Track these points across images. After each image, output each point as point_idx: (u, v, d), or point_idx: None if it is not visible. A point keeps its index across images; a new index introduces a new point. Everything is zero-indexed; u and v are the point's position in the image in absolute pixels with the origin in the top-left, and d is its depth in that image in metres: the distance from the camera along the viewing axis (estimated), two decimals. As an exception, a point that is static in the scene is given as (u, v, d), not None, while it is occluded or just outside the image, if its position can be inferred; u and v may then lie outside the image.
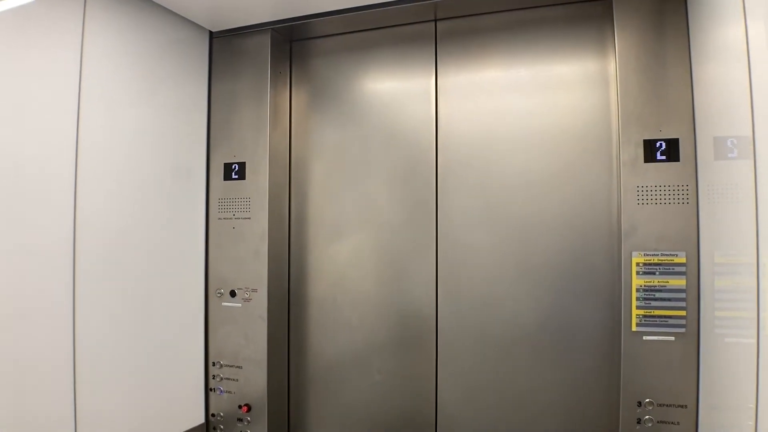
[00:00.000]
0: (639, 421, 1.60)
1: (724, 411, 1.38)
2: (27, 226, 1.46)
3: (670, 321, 1.58)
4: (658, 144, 1.61)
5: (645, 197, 1.61)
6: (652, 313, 1.60)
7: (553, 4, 1.87)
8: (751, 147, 1.14)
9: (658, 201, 1.60)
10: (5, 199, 1.41)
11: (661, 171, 1.60)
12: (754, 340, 1.15)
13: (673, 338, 1.58)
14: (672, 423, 1.58)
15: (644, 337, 1.61)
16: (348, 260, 2.11)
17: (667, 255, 1.59)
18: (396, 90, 2.10)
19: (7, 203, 1.41)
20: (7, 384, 1.41)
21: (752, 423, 1.15)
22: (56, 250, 1.55)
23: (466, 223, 1.94)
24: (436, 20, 2.02)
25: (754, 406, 1.15)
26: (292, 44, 2.23)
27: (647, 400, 1.60)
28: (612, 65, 1.78)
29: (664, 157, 1.60)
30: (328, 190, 2.15)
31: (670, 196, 1.59)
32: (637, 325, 1.61)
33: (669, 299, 1.59)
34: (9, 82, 1.43)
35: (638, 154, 1.63)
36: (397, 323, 2.03)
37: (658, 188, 1.60)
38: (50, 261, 1.53)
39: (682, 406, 1.57)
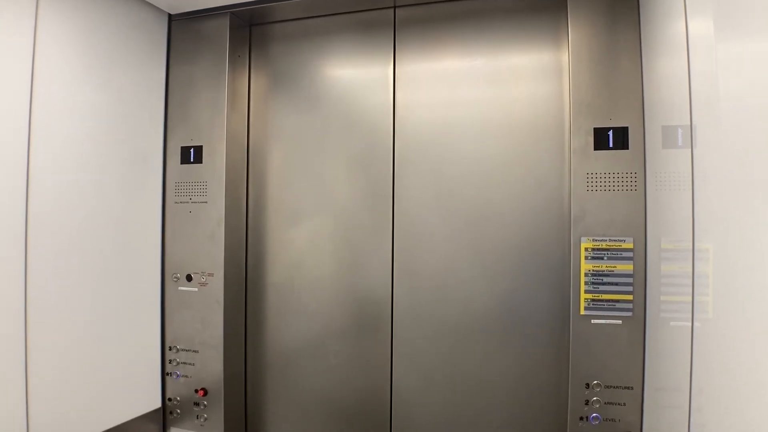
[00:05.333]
0: (587, 402, 1.64)
1: (667, 392, 1.41)
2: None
3: (618, 305, 1.62)
4: (607, 132, 1.64)
5: (594, 184, 1.65)
6: (600, 298, 1.64)
7: (510, -6, 1.90)
8: (690, 136, 1.18)
9: (607, 188, 1.64)
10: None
11: (611, 158, 1.64)
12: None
13: (620, 322, 1.62)
14: (618, 404, 1.62)
15: (592, 321, 1.64)
16: (306, 245, 2.12)
17: (615, 240, 1.63)
18: (355, 76, 2.11)
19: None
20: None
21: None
22: (8, 237, 1.52)
23: (422, 210, 1.96)
24: (395, 7, 2.03)
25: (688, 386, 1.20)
26: (251, 28, 2.21)
27: (595, 382, 1.64)
28: (565, 56, 1.81)
29: (613, 145, 1.64)
30: (286, 174, 2.15)
31: (618, 183, 1.63)
32: (586, 308, 1.65)
33: (616, 284, 1.63)
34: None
35: (588, 141, 1.66)
36: (354, 308, 2.05)
37: (607, 175, 1.64)
38: (1, 247, 1.50)
39: (628, 388, 1.62)
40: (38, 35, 1.60)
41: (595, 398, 1.64)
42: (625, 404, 1.62)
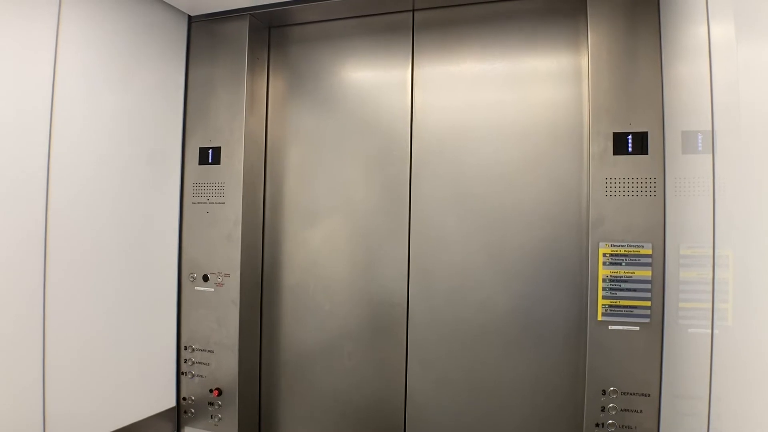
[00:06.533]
0: (603, 409, 1.63)
1: (685, 400, 1.40)
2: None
3: (636, 311, 1.61)
4: (627, 137, 1.63)
5: (613, 189, 1.64)
6: (617, 303, 1.63)
7: (529, -2, 1.89)
8: (711, 142, 1.17)
9: (626, 193, 1.62)
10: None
11: (630, 163, 1.63)
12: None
13: (637, 328, 1.61)
14: (635, 411, 1.61)
15: (609, 327, 1.63)
16: (322, 247, 2.12)
17: (633, 246, 1.61)
18: (373, 79, 2.11)
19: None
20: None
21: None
22: (28, 236, 1.53)
23: (438, 212, 1.95)
24: (413, 10, 2.03)
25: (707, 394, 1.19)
26: (270, 30, 2.22)
27: (611, 388, 1.63)
28: (585, 59, 1.80)
29: (632, 150, 1.63)
30: (303, 176, 2.15)
31: (637, 189, 1.61)
32: (603, 314, 1.64)
33: (635, 290, 1.61)
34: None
35: (607, 146, 1.65)
36: (369, 310, 2.05)
37: (626, 180, 1.63)
38: (21, 246, 1.51)
39: (645, 395, 1.60)
40: (60, 35, 1.62)
41: (611, 405, 1.62)
42: (641, 411, 1.61)
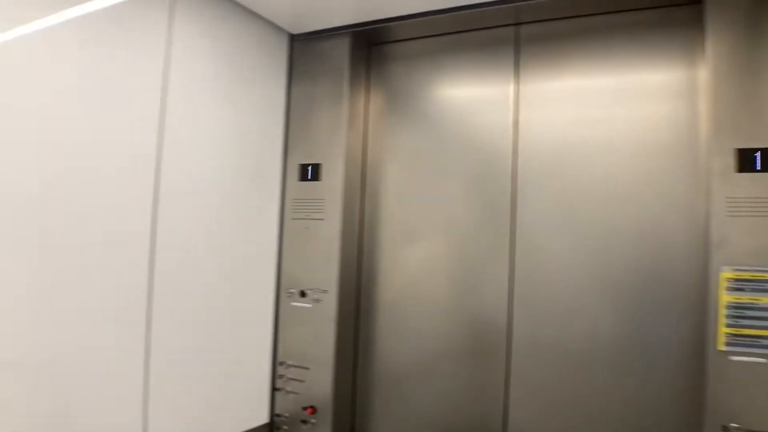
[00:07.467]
0: (723, 445, 1.52)
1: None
2: (105, 228, 1.50)
3: (762, 341, 1.48)
4: (754, 154, 1.52)
5: (736, 209, 1.52)
6: (741, 332, 1.51)
7: (639, 9, 1.82)
8: None
9: (751, 213, 1.51)
10: (84, 200, 1.44)
11: (755, 182, 1.51)
12: None
13: (764, 360, 1.48)
14: (760, 450, 1.49)
15: (731, 357, 1.51)
16: (420, 265, 2.09)
17: (759, 271, 1.49)
18: (473, 95, 2.09)
19: (86, 204, 1.44)
20: (83, 377, 1.45)
21: None
22: (134, 250, 1.58)
23: (542, 232, 1.89)
24: (516, 24, 1.99)
25: None
26: (370, 48, 2.24)
27: (733, 424, 1.50)
28: (699, 72, 1.71)
29: (761, 168, 1.51)
30: (401, 194, 2.14)
31: (764, 208, 1.50)
32: (725, 344, 1.52)
33: (761, 318, 1.49)
34: (94, 82, 1.46)
35: (729, 163, 1.54)
36: (468, 332, 2.00)
37: (751, 200, 1.51)
38: (127, 259, 1.56)
39: (772, 433, 1.48)
40: (170, 54, 1.68)
41: (732, 441, 1.50)
42: (767, 451, 1.48)
